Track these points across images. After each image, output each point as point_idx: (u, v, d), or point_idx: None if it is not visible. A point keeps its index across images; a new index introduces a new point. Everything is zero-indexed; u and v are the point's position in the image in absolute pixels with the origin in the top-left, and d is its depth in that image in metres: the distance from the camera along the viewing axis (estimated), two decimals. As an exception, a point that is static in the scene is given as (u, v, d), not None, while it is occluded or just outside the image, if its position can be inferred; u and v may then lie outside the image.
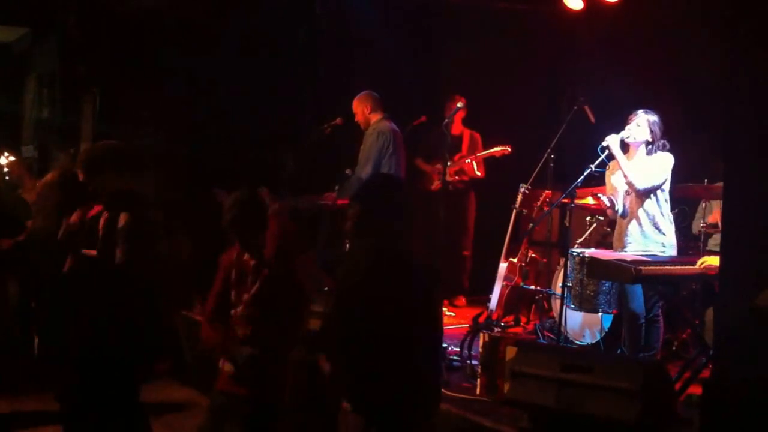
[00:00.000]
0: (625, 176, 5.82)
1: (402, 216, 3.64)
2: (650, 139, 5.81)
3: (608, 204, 6.01)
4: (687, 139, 6.24)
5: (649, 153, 5.83)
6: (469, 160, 8.22)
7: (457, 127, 8.30)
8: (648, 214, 5.85)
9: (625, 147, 5.92)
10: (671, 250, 5.88)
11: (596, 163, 5.84)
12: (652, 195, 5.83)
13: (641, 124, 5.80)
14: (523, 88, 8.67)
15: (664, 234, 5.86)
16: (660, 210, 5.86)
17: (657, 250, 5.80)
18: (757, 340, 3.16)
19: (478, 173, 8.27)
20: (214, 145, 8.42)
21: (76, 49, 8.68)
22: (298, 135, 7.86)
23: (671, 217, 5.96)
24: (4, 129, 10.20)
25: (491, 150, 8.16)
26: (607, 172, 6.04)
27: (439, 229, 6.58)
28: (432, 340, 3.67)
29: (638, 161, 5.87)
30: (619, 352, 6.16)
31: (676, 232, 6.00)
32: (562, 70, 8.58)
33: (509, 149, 8.08)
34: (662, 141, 5.83)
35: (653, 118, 5.81)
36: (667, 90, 7.12)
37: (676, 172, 5.90)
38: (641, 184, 5.78)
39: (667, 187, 5.89)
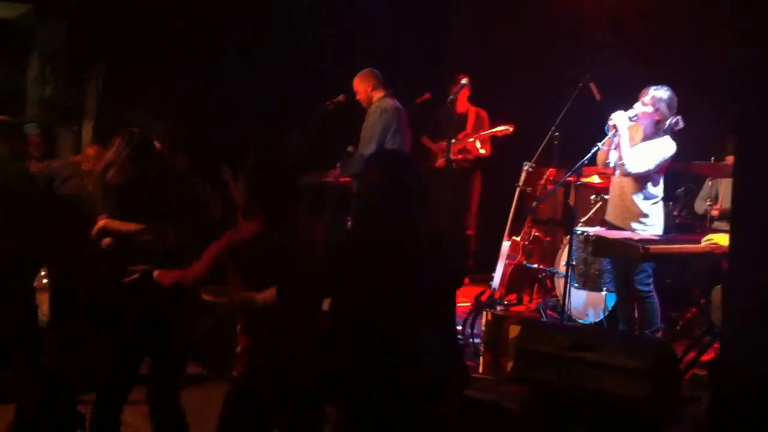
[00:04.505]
0: (620, 156, 5.75)
1: (410, 194, 3.29)
2: (657, 118, 5.67)
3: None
4: (695, 116, 6.18)
5: (655, 132, 5.70)
6: (472, 139, 8.19)
7: (462, 105, 8.27)
8: (633, 194, 5.78)
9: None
10: (655, 230, 5.83)
11: (603, 141, 5.78)
12: (642, 178, 5.76)
13: (647, 102, 5.68)
14: (528, 65, 8.61)
15: (646, 215, 5.79)
16: (645, 193, 5.77)
17: (639, 228, 5.76)
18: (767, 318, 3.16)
19: (482, 151, 8.25)
20: (218, 123, 8.39)
21: (81, 26, 8.63)
22: (301, 112, 7.82)
23: (659, 197, 5.86)
24: (6, 106, 10.14)
25: (493, 129, 8.13)
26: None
27: (443, 206, 6.57)
28: (445, 328, 3.38)
29: (643, 142, 5.80)
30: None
31: (684, 210, 5.95)
32: (568, 47, 8.52)
33: (511, 129, 8.05)
34: (675, 119, 5.67)
35: (661, 94, 5.65)
36: (675, 66, 7.06)
37: (683, 150, 5.84)
38: (633, 169, 5.71)
39: (661, 173, 5.81)
